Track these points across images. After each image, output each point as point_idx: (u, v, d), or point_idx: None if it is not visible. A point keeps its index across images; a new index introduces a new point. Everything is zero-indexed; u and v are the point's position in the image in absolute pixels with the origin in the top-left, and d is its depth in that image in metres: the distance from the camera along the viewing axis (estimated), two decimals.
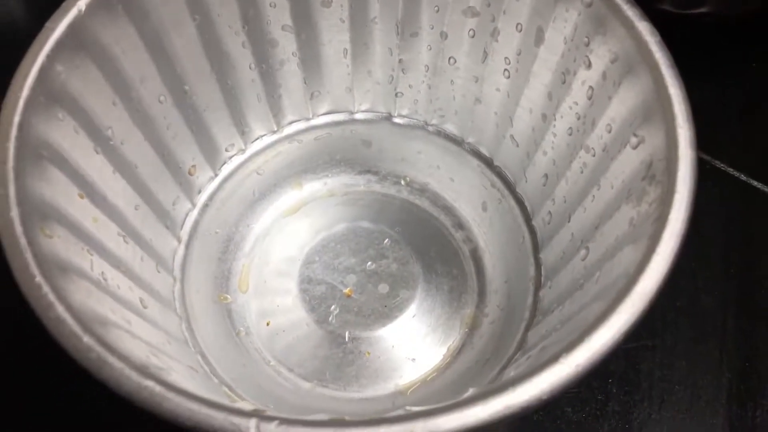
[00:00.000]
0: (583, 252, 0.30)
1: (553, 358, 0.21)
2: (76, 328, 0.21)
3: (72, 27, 0.27)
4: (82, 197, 0.28)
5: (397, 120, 0.39)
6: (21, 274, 0.22)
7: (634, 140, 0.27)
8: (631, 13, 0.27)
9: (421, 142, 0.39)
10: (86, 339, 0.21)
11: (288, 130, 0.39)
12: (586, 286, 0.27)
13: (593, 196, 0.30)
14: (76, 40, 0.27)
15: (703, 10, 0.42)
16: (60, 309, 0.22)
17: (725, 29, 0.44)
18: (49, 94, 0.26)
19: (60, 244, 0.25)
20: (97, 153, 0.29)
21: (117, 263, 0.29)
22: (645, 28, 0.27)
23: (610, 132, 0.29)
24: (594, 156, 0.30)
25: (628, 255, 0.24)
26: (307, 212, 0.40)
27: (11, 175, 0.24)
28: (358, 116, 0.39)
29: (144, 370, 0.21)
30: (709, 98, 0.42)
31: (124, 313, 0.27)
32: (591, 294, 0.26)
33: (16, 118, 0.25)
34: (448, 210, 0.40)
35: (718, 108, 0.43)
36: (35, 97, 0.26)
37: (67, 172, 0.27)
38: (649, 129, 0.26)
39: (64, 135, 0.27)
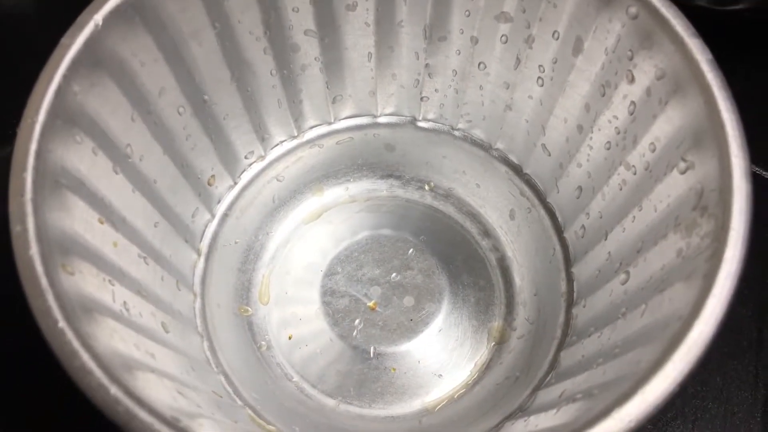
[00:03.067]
0: (623, 276, 0.28)
1: (605, 412, 0.20)
2: (103, 379, 0.20)
3: (89, 42, 0.26)
4: (102, 222, 0.26)
5: (421, 124, 0.38)
6: (43, 319, 0.21)
7: (682, 165, 0.26)
8: (681, 28, 0.26)
9: (446, 147, 0.38)
10: (113, 391, 0.20)
11: (309, 135, 0.38)
12: (630, 317, 0.26)
13: (634, 216, 0.29)
14: (93, 56, 0.26)
15: (739, 6, 0.40)
16: (85, 357, 0.21)
17: (763, 26, 0.42)
18: (66, 117, 0.25)
19: (81, 280, 0.23)
20: (116, 173, 0.28)
21: (138, 288, 0.28)
22: (696, 46, 0.25)
23: (653, 151, 0.27)
24: (635, 174, 0.29)
25: (680, 292, 0.23)
26: (329, 219, 0.39)
27: (30, 208, 0.23)
28: (382, 120, 0.38)
29: (174, 424, 0.20)
30: (745, 96, 0.41)
31: (148, 346, 0.26)
32: (637, 329, 0.25)
33: (33, 146, 0.24)
34: (474, 217, 0.39)
35: (755, 106, 0.41)
36: (52, 121, 0.24)
37: (86, 198, 0.26)
38: (700, 155, 0.25)
39: (82, 158, 0.26)
